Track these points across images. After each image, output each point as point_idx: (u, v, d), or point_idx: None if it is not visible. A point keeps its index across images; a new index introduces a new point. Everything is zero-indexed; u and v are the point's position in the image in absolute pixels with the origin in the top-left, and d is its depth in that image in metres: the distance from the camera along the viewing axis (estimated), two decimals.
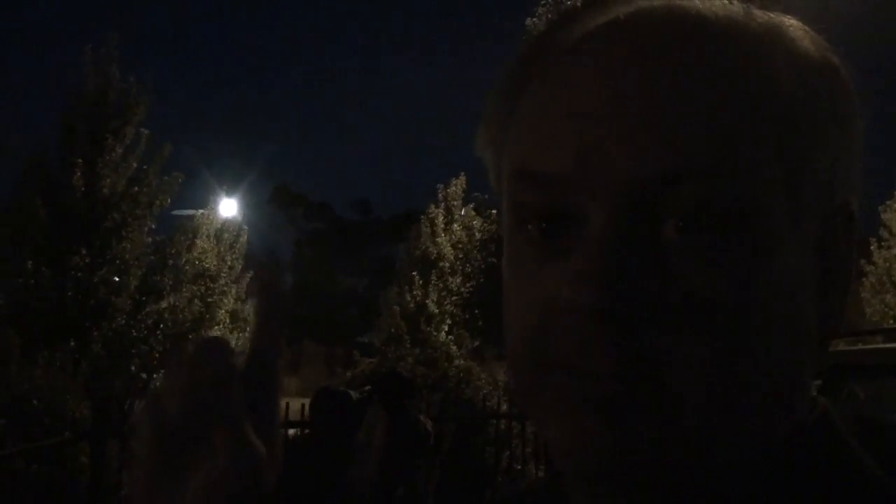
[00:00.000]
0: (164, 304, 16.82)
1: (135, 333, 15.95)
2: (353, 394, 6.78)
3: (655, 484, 0.57)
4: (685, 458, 0.56)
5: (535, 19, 13.89)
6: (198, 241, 18.62)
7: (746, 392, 0.56)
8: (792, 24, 0.63)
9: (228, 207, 25.15)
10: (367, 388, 6.84)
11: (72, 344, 14.12)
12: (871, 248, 19.29)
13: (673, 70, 0.57)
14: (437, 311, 17.16)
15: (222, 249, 19.58)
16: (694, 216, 0.55)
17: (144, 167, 16.80)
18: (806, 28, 0.64)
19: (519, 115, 0.64)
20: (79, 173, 15.78)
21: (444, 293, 17.55)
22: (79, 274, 15.43)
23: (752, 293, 0.56)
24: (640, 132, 0.56)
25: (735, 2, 0.62)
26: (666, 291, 0.55)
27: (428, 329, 16.74)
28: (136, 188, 16.50)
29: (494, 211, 17.96)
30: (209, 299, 18.34)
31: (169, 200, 17.29)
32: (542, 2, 14.03)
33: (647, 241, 0.56)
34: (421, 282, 17.61)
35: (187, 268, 17.82)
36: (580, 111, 0.58)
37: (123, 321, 15.74)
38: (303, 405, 8.33)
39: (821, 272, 0.61)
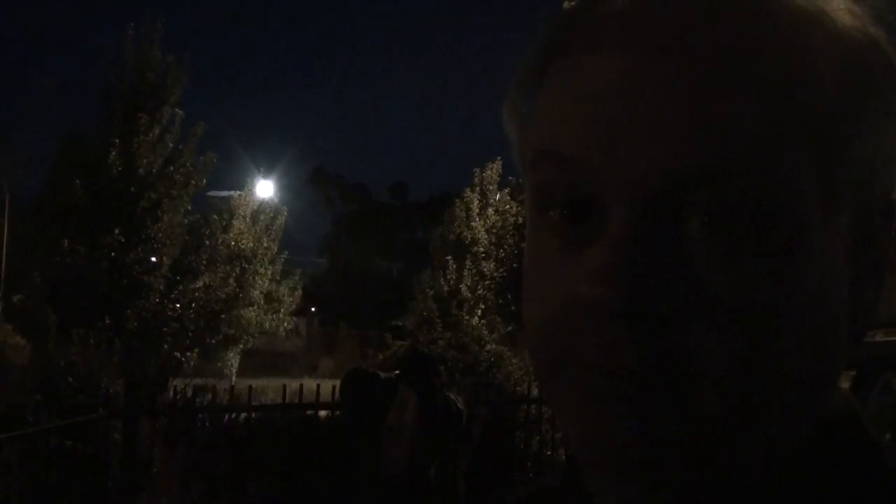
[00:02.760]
0: (198, 284, 16.98)
1: (169, 312, 16.12)
2: (383, 375, 6.80)
3: (678, 476, 0.55)
4: (709, 452, 0.54)
5: None
6: (234, 222, 18.77)
7: (774, 389, 0.54)
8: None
9: (265, 189, 25.32)
10: (397, 372, 6.84)
11: (106, 322, 14.29)
12: None
13: (705, 58, 0.54)
14: (470, 295, 17.15)
15: (258, 231, 19.72)
16: (721, 214, 0.53)
17: (180, 147, 16.93)
18: (851, 3, 0.59)
19: (546, 92, 0.61)
20: (115, 153, 15.94)
21: (477, 278, 17.52)
22: (113, 253, 15.61)
23: (781, 291, 0.53)
24: (668, 127, 0.53)
25: None
26: (690, 290, 0.53)
27: (460, 313, 16.75)
28: (172, 168, 16.64)
29: None
30: (243, 280, 18.48)
31: (204, 181, 17.44)
32: None
33: (670, 239, 0.54)
34: (455, 266, 17.61)
35: (222, 248, 17.97)
36: (607, 95, 0.55)
37: (157, 300, 15.91)
38: (333, 387, 8.37)
39: (855, 265, 0.58)
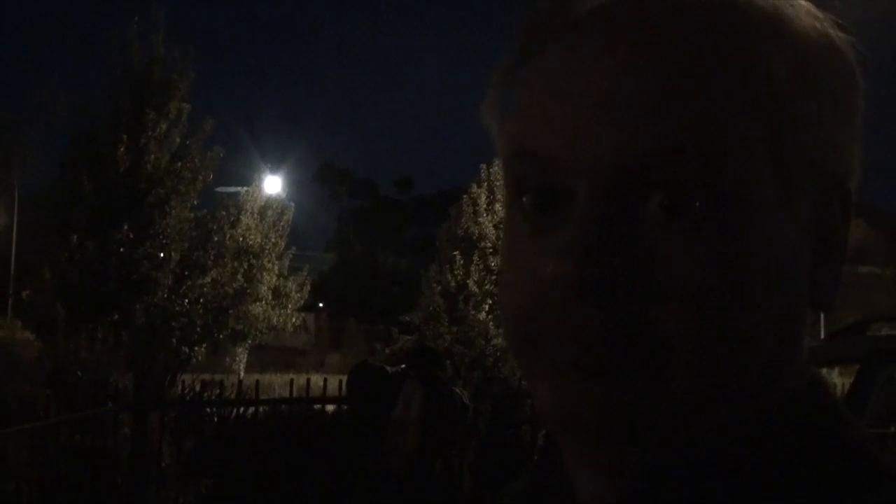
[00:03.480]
0: (206, 280, 17.00)
1: (177, 308, 16.14)
2: (389, 369, 6.84)
3: (640, 443, 0.58)
4: (674, 419, 0.57)
5: None
6: (242, 218, 18.78)
7: (735, 363, 0.57)
8: (792, 1, 0.63)
9: (273, 184, 25.34)
10: (403, 366, 6.87)
11: (115, 317, 14.33)
12: None
13: (659, 50, 0.58)
14: (477, 290, 17.17)
15: (266, 226, 19.73)
16: (677, 194, 0.56)
17: (188, 143, 16.94)
18: (808, 5, 0.63)
19: (519, 91, 0.64)
20: (123, 149, 15.96)
21: (484, 273, 17.55)
22: (122, 249, 15.63)
23: (736, 269, 0.57)
24: (624, 114, 0.57)
25: None
26: (650, 268, 0.56)
27: (467, 308, 16.76)
28: (180, 164, 16.65)
29: None
30: (251, 275, 18.50)
31: (212, 176, 17.43)
32: None
33: (631, 219, 0.57)
34: (462, 261, 17.62)
35: (230, 244, 17.98)
36: (573, 91, 0.59)
37: (165, 295, 15.93)
38: (340, 381, 8.39)
39: (814, 247, 0.62)
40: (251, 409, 8.67)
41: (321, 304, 43.30)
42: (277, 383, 17.26)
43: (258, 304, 18.95)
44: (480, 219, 18.22)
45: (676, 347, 0.56)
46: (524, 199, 0.62)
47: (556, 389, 0.59)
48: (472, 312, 16.65)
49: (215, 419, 8.56)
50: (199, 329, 16.67)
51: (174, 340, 15.92)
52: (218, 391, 8.88)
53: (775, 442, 0.60)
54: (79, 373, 9.05)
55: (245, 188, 20.22)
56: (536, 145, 0.61)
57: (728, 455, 0.59)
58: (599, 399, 0.57)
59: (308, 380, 9.12)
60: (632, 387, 0.57)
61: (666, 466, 0.59)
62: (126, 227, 15.68)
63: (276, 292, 20.26)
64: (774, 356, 0.60)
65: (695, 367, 0.56)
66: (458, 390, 6.99)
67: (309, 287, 22.52)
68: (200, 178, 17.09)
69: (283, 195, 24.79)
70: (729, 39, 0.59)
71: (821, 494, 0.58)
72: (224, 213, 18.34)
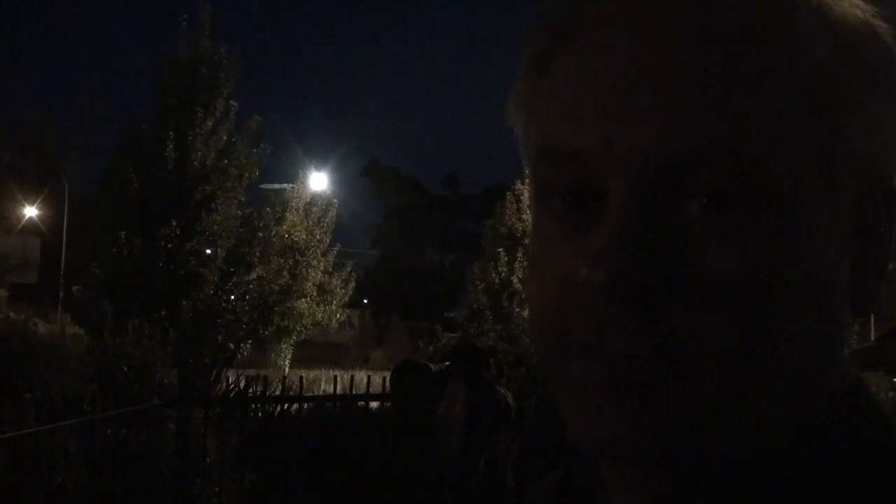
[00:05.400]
0: (252, 276, 17.14)
1: (223, 304, 16.29)
2: (433, 366, 6.83)
3: (676, 464, 0.56)
4: (706, 439, 0.55)
5: None
6: (287, 215, 18.91)
7: (770, 372, 0.55)
8: None
9: (318, 181, 25.47)
10: (447, 363, 6.86)
11: (162, 313, 14.48)
12: None
13: (698, 46, 0.55)
14: (521, 287, 17.15)
15: (311, 223, 19.85)
16: (718, 196, 0.54)
17: (234, 140, 17.09)
18: None
19: (546, 87, 0.62)
20: (171, 146, 16.14)
21: None
22: (169, 245, 15.81)
23: (777, 273, 0.54)
24: (662, 112, 0.54)
25: None
26: (687, 270, 0.54)
27: (511, 305, 16.76)
28: (226, 161, 16.80)
29: None
30: (296, 271, 18.62)
31: (257, 173, 17.57)
32: None
33: (668, 220, 0.54)
34: (506, 258, 17.62)
35: (275, 240, 18.11)
36: (606, 83, 0.56)
37: (212, 292, 16.08)
38: (384, 378, 8.41)
39: (857, 249, 0.59)
40: (295, 406, 8.72)
41: (365, 301, 43.49)
42: (323, 379, 17.36)
43: (303, 300, 19.07)
44: (524, 215, 18.20)
45: (715, 354, 0.53)
46: (553, 200, 0.59)
47: (590, 409, 0.56)
48: (517, 310, 16.66)
49: (259, 415, 8.61)
50: (244, 325, 16.82)
51: (220, 336, 16.06)
52: (262, 387, 8.93)
53: (816, 447, 0.58)
54: (125, 368, 9.15)
55: (290, 185, 20.35)
56: (567, 143, 0.58)
57: (767, 461, 0.57)
58: (636, 420, 0.54)
59: (352, 376, 9.14)
60: (669, 402, 0.54)
61: (702, 473, 0.57)
62: (173, 224, 15.84)
63: (321, 289, 20.38)
64: (815, 361, 0.57)
65: (734, 374, 0.53)
66: (501, 390, 6.97)
67: (353, 283, 22.63)
68: (246, 175, 17.24)
69: (328, 192, 24.89)
70: (773, 29, 0.56)
71: (867, 499, 0.55)
72: (269, 209, 18.47)
